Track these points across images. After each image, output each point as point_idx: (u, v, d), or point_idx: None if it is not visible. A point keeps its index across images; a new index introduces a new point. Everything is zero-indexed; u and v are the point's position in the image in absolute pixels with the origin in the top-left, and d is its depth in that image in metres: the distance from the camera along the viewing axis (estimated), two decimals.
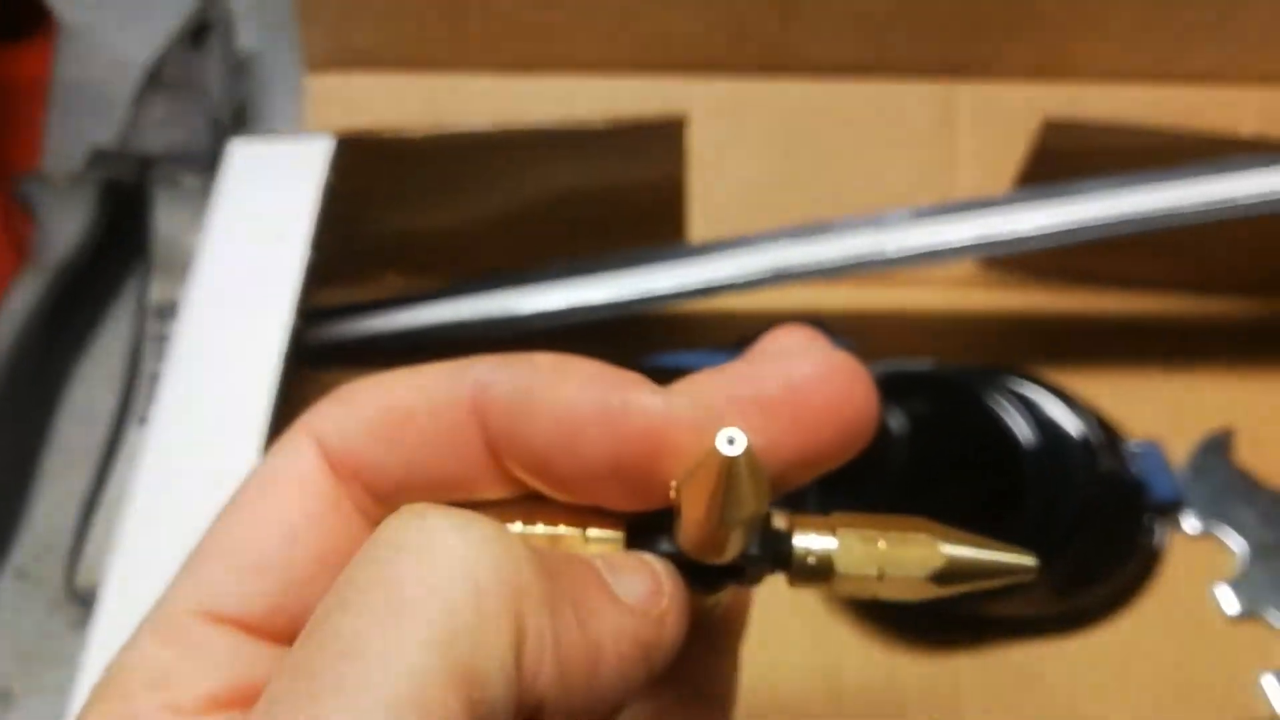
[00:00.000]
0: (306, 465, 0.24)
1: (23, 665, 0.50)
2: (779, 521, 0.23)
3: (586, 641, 0.20)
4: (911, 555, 0.22)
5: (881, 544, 0.22)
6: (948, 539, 0.22)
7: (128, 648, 0.22)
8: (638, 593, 0.22)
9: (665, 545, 0.22)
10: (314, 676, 0.18)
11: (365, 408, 0.24)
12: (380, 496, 0.24)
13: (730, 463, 0.19)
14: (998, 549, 0.22)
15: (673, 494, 0.21)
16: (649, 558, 0.23)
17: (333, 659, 0.18)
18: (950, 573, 0.22)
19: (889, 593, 0.22)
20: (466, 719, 0.18)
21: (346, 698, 0.17)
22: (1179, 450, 0.53)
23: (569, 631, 0.20)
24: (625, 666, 0.21)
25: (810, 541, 0.22)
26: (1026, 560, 0.23)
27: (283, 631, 0.23)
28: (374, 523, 0.23)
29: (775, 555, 0.23)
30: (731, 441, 0.19)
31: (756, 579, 0.23)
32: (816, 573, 0.22)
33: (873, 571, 0.22)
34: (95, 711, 0.21)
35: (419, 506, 0.20)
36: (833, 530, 0.23)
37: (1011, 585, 0.23)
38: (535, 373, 0.23)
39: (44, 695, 0.49)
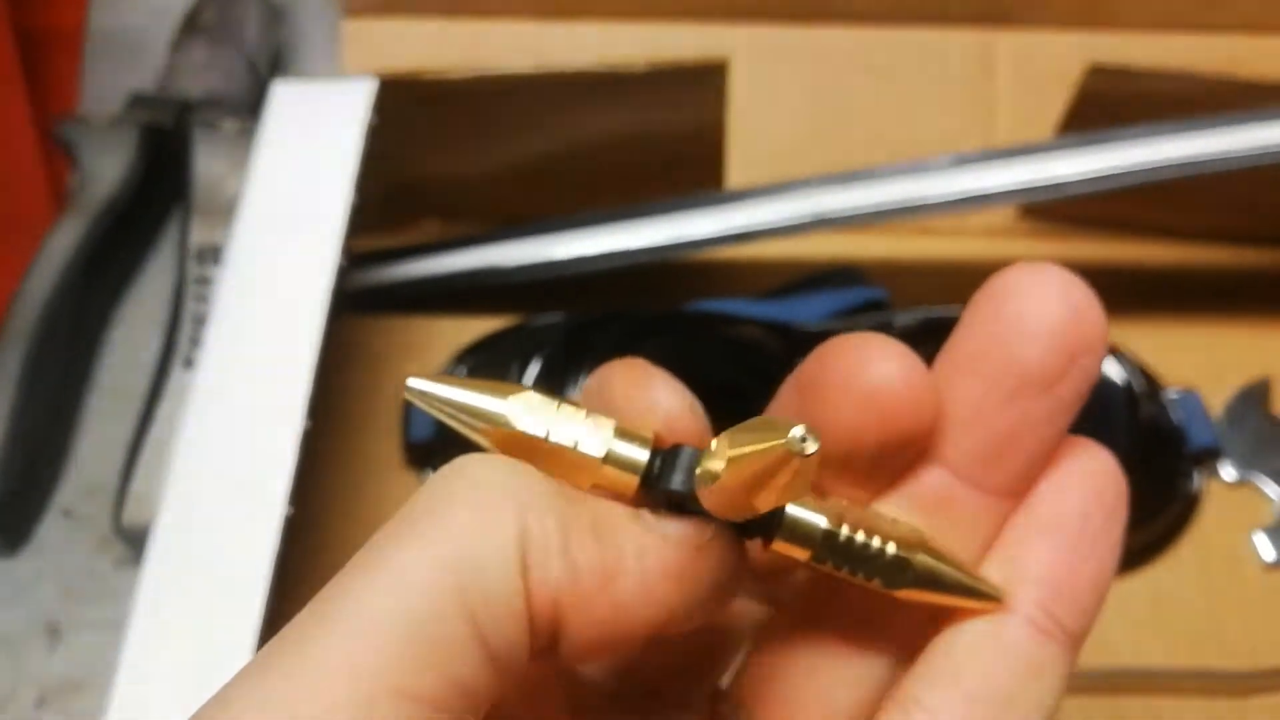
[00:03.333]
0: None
1: (69, 602, 0.51)
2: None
3: (602, 551, 0.21)
4: (888, 565, 0.22)
5: (875, 543, 0.22)
6: (934, 555, 0.22)
7: None
8: (681, 526, 0.22)
9: (679, 482, 0.22)
10: (323, 600, 0.20)
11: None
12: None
13: (801, 462, 0.19)
14: (974, 581, 0.23)
15: (714, 463, 0.21)
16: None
17: (342, 583, 0.20)
18: (919, 583, 0.22)
19: (856, 581, 0.22)
20: (462, 609, 0.19)
21: (341, 621, 0.19)
22: (1216, 399, 0.53)
23: (582, 539, 0.21)
24: (651, 584, 0.21)
25: (805, 517, 0.22)
26: (992, 600, 0.22)
27: None
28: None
29: (765, 521, 0.22)
30: (804, 440, 0.19)
31: (747, 536, 0.23)
32: (799, 543, 0.22)
33: (846, 569, 0.22)
34: None
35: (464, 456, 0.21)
36: (825, 514, 0.22)
37: None
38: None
39: (90, 631, 0.50)
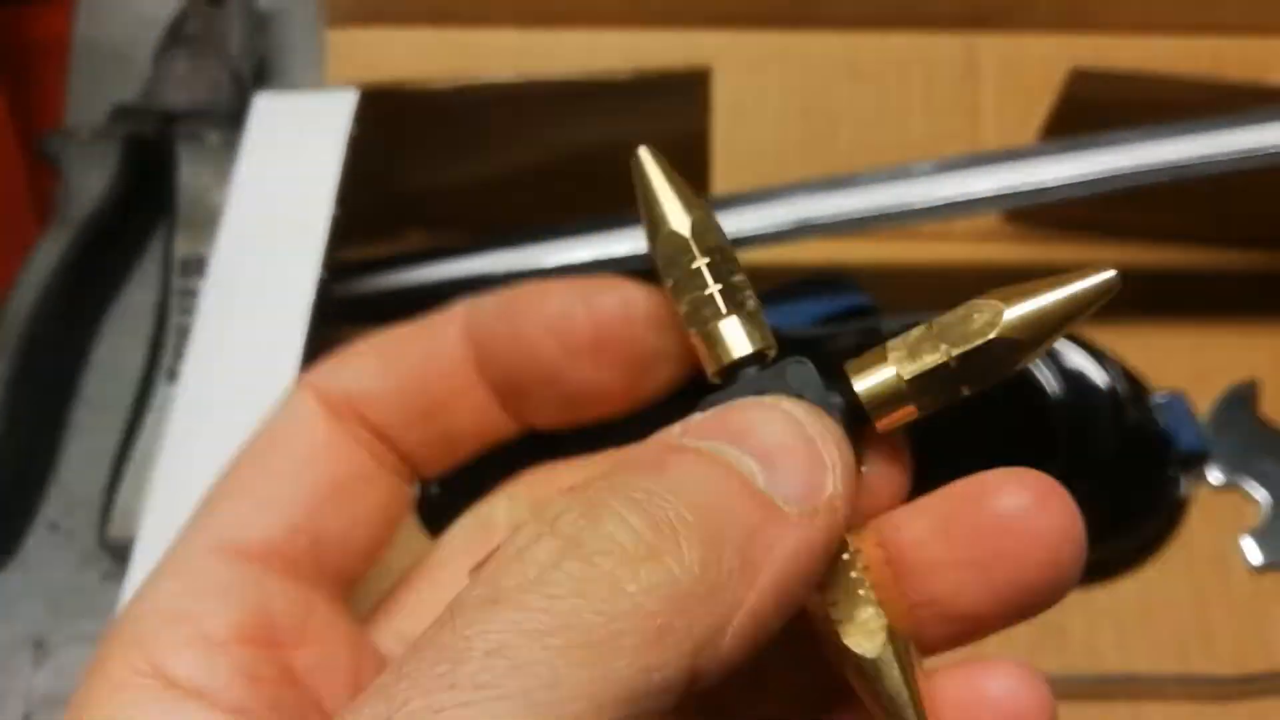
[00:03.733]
0: (305, 410, 0.24)
1: (56, 616, 0.51)
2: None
3: (767, 594, 0.19)
4: (972, 330, 0.21)
5: (937, 332, 0.21)
6: (1007, 300, 0.21)
7: (141, 594, 0.22)
8: (800, 482, 0.20)
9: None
10: (455, 662, 0.17)
11: (359, 349, 0.25)
12: (378, 428, 0.24)
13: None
14: (1064, 282, 0.21)
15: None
16: (797, 415, 0.21)
17: (478, 652, 0.17)
18: (1023, 331, 0.21)
19: (974, 379, 0.21)
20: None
21: (488, 697, 0.16)
22: (1202, 403, 0.53)
23: (740, 597, 0.19)
24: (810, 575, 0.19)
25: (871, 377, 0.22)
26: (1105, 276, 0.21)
27: (302, 562, 0.23)
28: (375, 456, 0.24)
29: (852, 411, 0.22)
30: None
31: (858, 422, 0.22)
32: (894, 400, 0.21)
33: (940, 358, 0.21)
34: (114, 661, 0.21)
35: (593, 504, 0.19)
36: (885, 356, 0.22)
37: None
38: (519, 288, 0.24)
39: (77, 645, 0.50)
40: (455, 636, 0.17)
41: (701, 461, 0.20)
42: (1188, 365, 0.54)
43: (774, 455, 0.20)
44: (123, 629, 0.22)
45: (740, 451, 0.20)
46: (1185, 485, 0.51)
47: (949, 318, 0.22)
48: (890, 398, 0.21)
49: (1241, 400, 0.53)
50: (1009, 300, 0.21)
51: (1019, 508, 0.21)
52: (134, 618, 0.22)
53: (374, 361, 0.25)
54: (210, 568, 0.22)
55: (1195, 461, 0.51)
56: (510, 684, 0.16)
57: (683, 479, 0.19)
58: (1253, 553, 0.49)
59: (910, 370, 0.21)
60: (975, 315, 0.21)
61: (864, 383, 0.22)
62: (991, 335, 0.21)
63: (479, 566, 0.19)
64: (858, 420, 0.22)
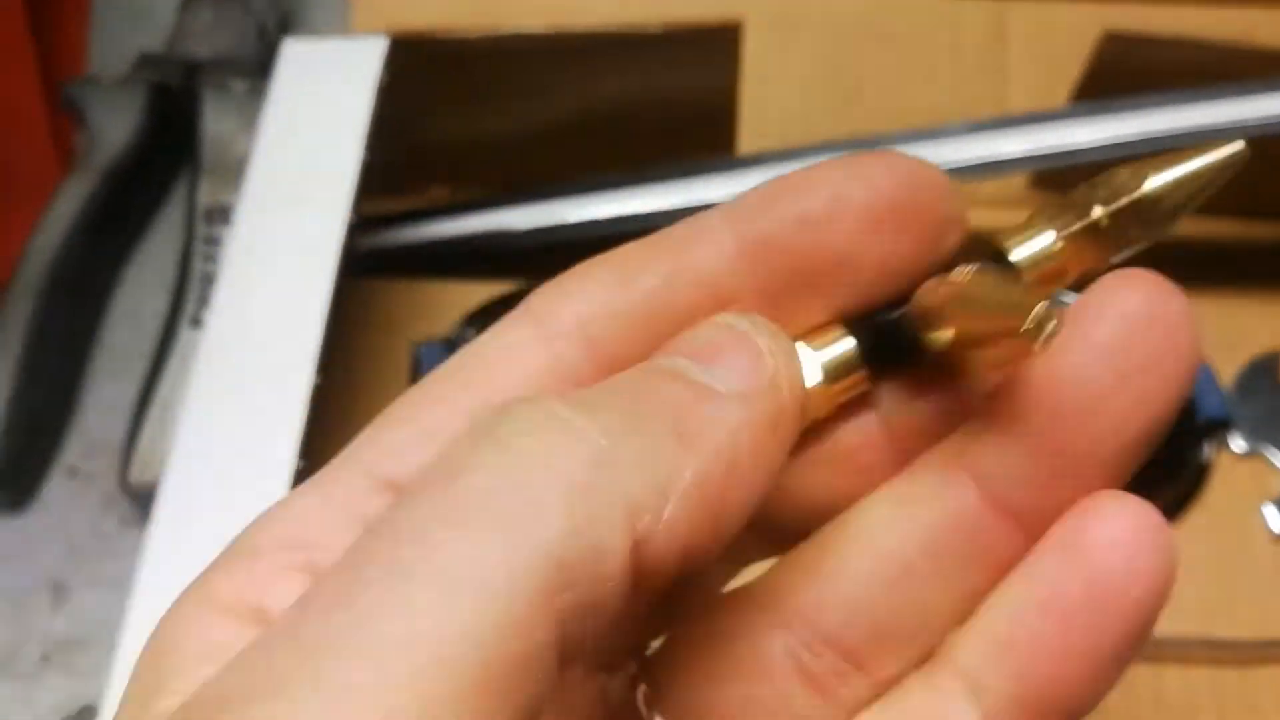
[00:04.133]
0: (515, 338, 0.21)
1: (75, 560, 0.51)
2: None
3: (707, 460, 0.18)
4: (1120, 188, 0.21)
5: (1098, 209, 0.21)
6: (1151, 168, 0.21)
7: (278, 506, 0.20)
8: (738, 371, 0.19)
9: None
10: (366, 565, 0.16)
11: (591, 265, 0.22)
12: (610, 356, 0.21)
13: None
14: (1198, 154, 0.21)
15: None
16: (728, 319, 0.20)
17: (385, 543, 0.16)
18: (1165, 195, 0.21)
19: (1132, 237, 0.21)
20: (552, 627, 0.16)
21: (405, 586, 0.16)
22: (1227, 371, 0.53)
23: (679, 465, 0.18)
24: (760, 455, 0.19)
25: (1028, 246, 0.21)
26: (1234, 147, 0.21)
27: None
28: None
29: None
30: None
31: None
32: (1053, 260, 0.21)
33: (1098, 212, 0.21)
34: (217, 569, 0.19)
35: (494, 411, 0.18)
36: (1032, 223, 0.21)
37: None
38: (781, 178, 0.22)
39: (97, 589, 0.50)
40: (371, 539, 0.17)
41: (636, 369, 0.20)
42: (1212, 334, 0.53)
43: (704, 351, 0.20)
44: (243, 540, 0.20)
45: (671, 356, 0.20)
46: (1208, 452, 0.51)
47: (1097, 180, 0.22)
48: (1044, 258, 0.21)
49: (1265, 369, 0.53)
50: (1151, 167, 0.21)
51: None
52: (258, 530, 0.20)
53: (612, 275, 0.21)
54: (349, 493, 0.20)
55: (1218, 429, 0.51)
56: (426, 568, 0.15)
57: (615, 380, 0.19)
58: (1275, 521, 0.49)
59: (1065, 230, 0.21)
60: (1118, 178, 0.21)
61: (1022, 250, 0.21)
62: (1143, 189, 0.21)
63: None
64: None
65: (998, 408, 0.21)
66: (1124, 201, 0.21)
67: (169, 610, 0.19)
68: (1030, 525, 0.21)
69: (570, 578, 0.16)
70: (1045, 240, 0.21)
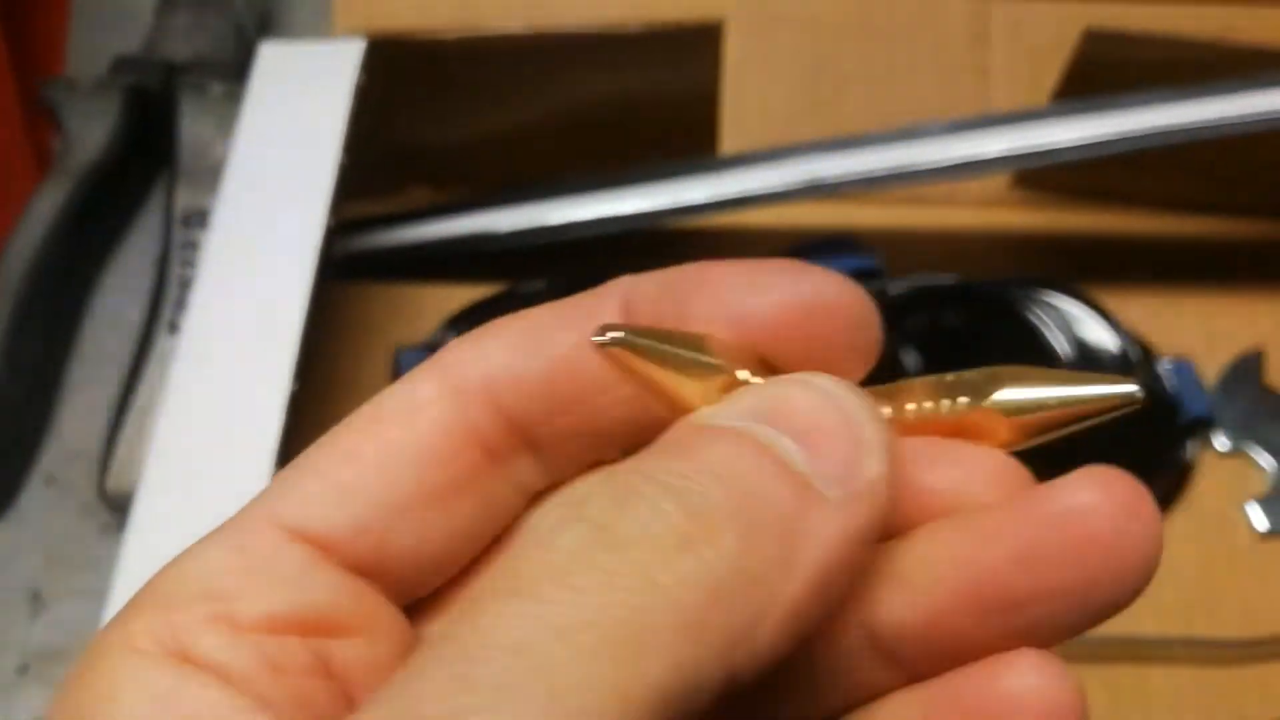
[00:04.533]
0: (423, 394, 0.21)
1: (52, 569, 0.50)
2: None
3: (806, 586, 0.18)
4: (976, 415, 0.20)
5: (945, 403, 0.21)
6: (1021, 381, 0.20)
7: (188, 555, 0.20)
8: (839, 463, 0.19)
9: None
10: (473, 661, 0.16)
11: (500, 327, 0.22)
12: (516, 417, 0.21)
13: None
14: (1086, 382, 0.20)
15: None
16: (837, 394, 0.19)
17: (497, 650, 0.16)
18: (1030, 426, 0.20)
19: (988, 440, 0.21)
20: None
21: (508, 700, 0.15)
22: (1209, 370, 0.53)
23: (776, 592, 0.17)
24: (850, 570, 0.18)
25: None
26: (1126, 389, 0.20)
27: (363, 562, 0.21)
28: (493, 457, 0.21)
29: None
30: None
31: None
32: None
33: (944, 406, 0.21)
34: (134, 619, 0.19)
35: (578, 491, 0.19)
36: (891, 400, 0.21)
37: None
38: (684, 268, 0.21)
39: (74, 598, 0.50)
40: (474, 632, 0.16)
41: (735, 441, 0.19)
42: (1196, 332, 0.53)
43: (811, 433, 0.19)
44: (155, 588, 0.20)
45: (776, 431, 0.19)
46: (1191, 450, 0.51)
47: (968, 375, 0.21)
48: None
49: (1249, 368, 0.53)
50: (1011, 378, 0.20)
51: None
52: (169, 580, 0.20)
53: (519, 339, 0.22)
54: (262, 545, 0.20)
55: (1202, 427, 0.51)
56: (533, 686, 0.15)
57: (716, 461, 0.18)
58: (1259, 519, 0.49)
59: (899, 411, 0.21)
60: (977, 379, 0.21)
61: None
62: (991, 399, 0.20)
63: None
64: None
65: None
66: (963, 404, 0.20)
67: (89, 660, 0.19)
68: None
69: (671, 711, 0.16)
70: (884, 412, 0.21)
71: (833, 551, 0.18)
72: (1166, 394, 0.50)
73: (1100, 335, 0.47)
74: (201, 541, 0.20)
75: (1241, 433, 0.51)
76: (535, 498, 0.22)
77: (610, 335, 0.20)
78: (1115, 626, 0.48)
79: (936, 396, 0.21)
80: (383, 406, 0.22)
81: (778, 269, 0.21)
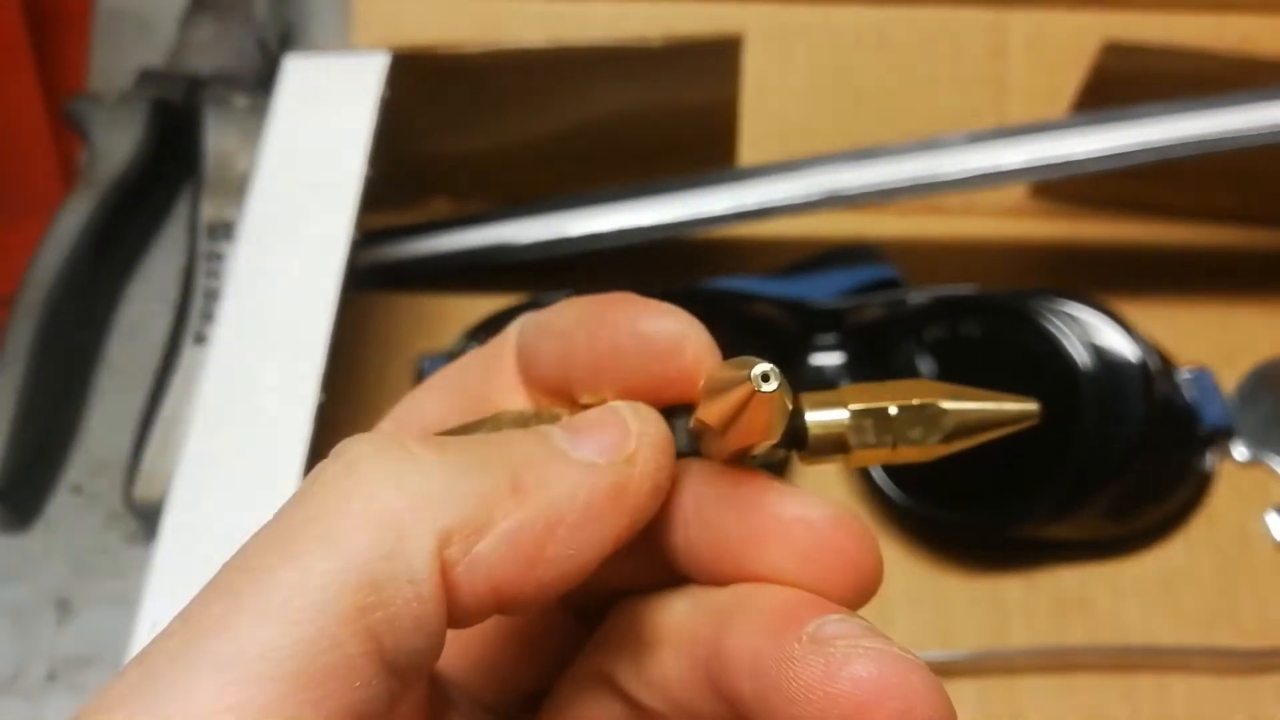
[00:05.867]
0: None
1: (80, 577, 0.51)
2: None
3: (534, 511, 0.20)
4: (921, 420, 0.22)
5: (893, 410, 0.22)
6: (954, 398, 0.22)
7: None
8: (601, 445, 0.21)
9: (684, 444, 0.22)
10: (194, 622, 0.18)
11: (430, 382, 0.26)
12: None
13: (766, 398, 0.19)
14: (1000, 399, 0.22)
15: (699, 415, 0.21)
16: (617, 405, 0.22)
17: (224, 591, 0.18)
18: (958, 431, 0.22)
19: (901, 459, 0.23)
20: (362, 632, 0.18)
21: (230, 632, 0.17)
22: (1229, 379, 0.53)
23: (505, 510, 0.19)
24: (593, 519, 0.20)
25: (821, 416, 0.22)
26: (1029, 407, 0.22)
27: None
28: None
29: (791, 435, 0.22)
30: (766, 378, 0.19)
31: (771, 460, 0.23)
32: (831, 448, 0.22)
33: (887, 441, 0.22)
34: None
35: (349, 440, 0.20)
36: (843, 404, 0.22)
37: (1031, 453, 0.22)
38: (566, 301, 0.24)
39: (101, 606, 0.50)
40: (222, 568, 0.18)
41: (510, 430, 0.22)
42: (1214, 342, 0.54)
43: (579, 425, 0.21)
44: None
45: (547, 424, 0.22)
46: (1210, 460, 0.51)
47: (899, 402, 0.23)
48: (831, 426, 0.22)
49: (1267, 377, 0.53)
50: (949, 394, 0.22)
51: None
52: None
53: (442, 390, 0.25)
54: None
55: (1221, 436, 0.51)
56: (252, 592, 0.17)
57: (483, 434, 0.22)
58: (1277, 529, 0.49)
59: (855, 407, 0.22)
60: (921, 410, 0.22)
61: (815, 414, 0.22)
62: (936, 401, 0.22)
63: None
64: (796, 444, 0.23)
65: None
66: (915, 402, 0.22)
67: None
68: None
69: (381, 597, 0.18)
70: (838, 414, 0.22)
71: (570, 495, 0.20)
72: (1185, 403, 0.50)
73: (1119, 345, 0.47)
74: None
75: (1261, 442, 0.51)
76: None
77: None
78: (1135, 635, 0.49)
79: (884, 413, 0.22)
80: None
81: (610, 303, 0.23)
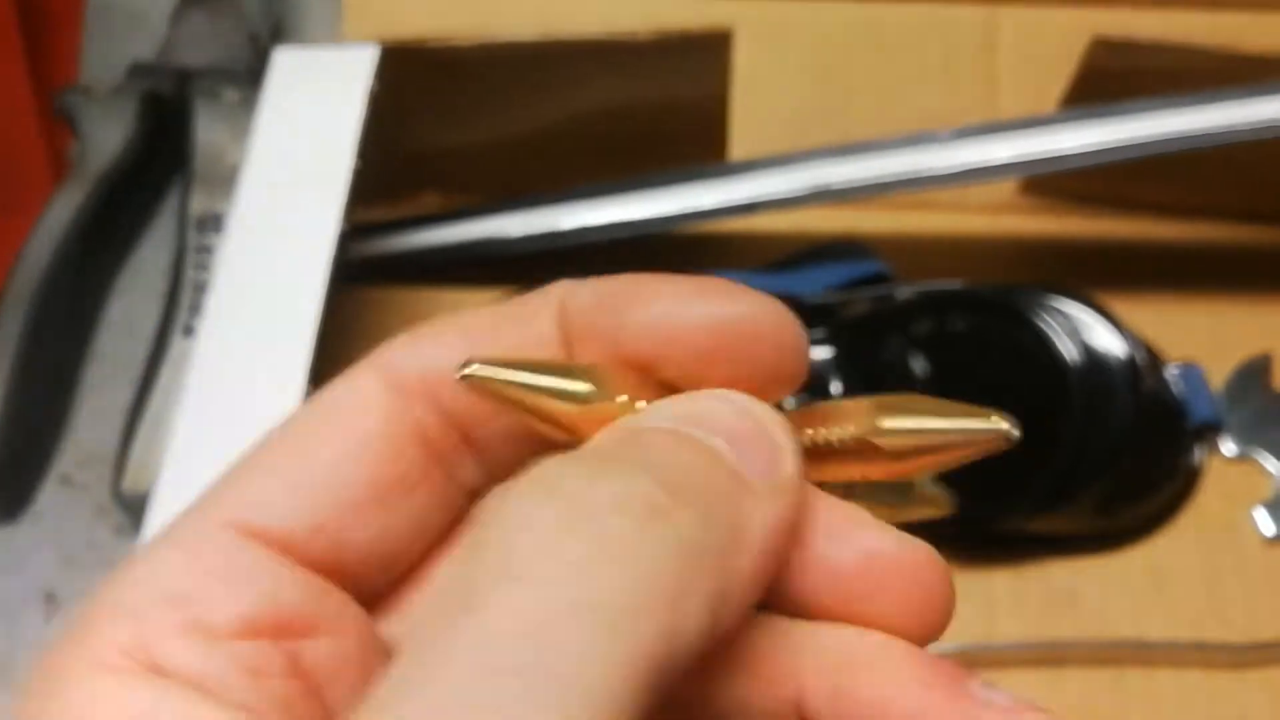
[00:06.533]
0: (366, 392, 0.22)
1: (67, 570, 0.51)
2: None
3: (754, 567, 0.18)
4: (857, 445, 0.20)
5: (823, 433, 0.21)
6: (897, 412, 0.20)
7: (139, 564, 0.20)
8: (762, 461, 0.19)
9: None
10: (481, 648, 0.16)
11: (441, 327, 0.22)
12: (456, 415, 0.22)
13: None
14: (961, 416, 0.20)
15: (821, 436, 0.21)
16: (747, 405, 0.20)
17: (506, 635, 0.16)
18: (907, 459, 0.20)
19: (869, 473, 0.21)
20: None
21: (526, 684, 0.15)
22: (1217, 375, 0.53)
23: (740, 574, 0.18)
24: (781, 553, 0.19)
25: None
26: (998, 425, 0.20)
27: (321, 559, 0.21)
28: (435, 454, 0.22)
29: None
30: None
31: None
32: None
33: (821, 435, 0.21)
34: (98, 635, 0.19)
35: (548, 470, 0.18)
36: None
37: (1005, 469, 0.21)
38: (622, 278, 0.22)
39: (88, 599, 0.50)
40: (473, 618, 0.16)
41: (673, 437, 0.20)
42: (1203, 338, 0.54)
43: (735, 435, 0.20)
44: (112, 600, 0.19)
45: (705, 432, 0.20)
46: (1199, 456, 0.51)
47: (849, 404, 0.21)
48: None
49: (1256, 373, 0.53)
50: (887, 409, 0.21)
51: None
52: (128, 588, 0.19)
53: (458, 340, 0.22)
54: (221, 547, 0.20)
55: (1209, 432, 0.51)
56: (547, 667, 0.15)
57: (663, 452, 0.19)
58: (1265, 524, 0.50)
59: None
60: (860, 409, 0.21)
61: None
62: (874, 424, 0.20)
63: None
64: None
65: None
66: (850, 431, 0.20)
67: (53, 679, 0.18)
68: None
69: (663, 678, 0.16)
70: None
71: (770, 534, 0.19)
72: (1174, 399, 0.50)
73: (1108, 340, 0.47)
74: (155, 545, 0.20)
75: (1249, 438, 0.51)
76: (474, 496, 0.22)
77: (468, 370, 0.20)
78: (1124, 629, 0.49)
79: (825, 424, 0.21)
80: (326, 404, 0.22)
81: (713, 287, 0.21)
